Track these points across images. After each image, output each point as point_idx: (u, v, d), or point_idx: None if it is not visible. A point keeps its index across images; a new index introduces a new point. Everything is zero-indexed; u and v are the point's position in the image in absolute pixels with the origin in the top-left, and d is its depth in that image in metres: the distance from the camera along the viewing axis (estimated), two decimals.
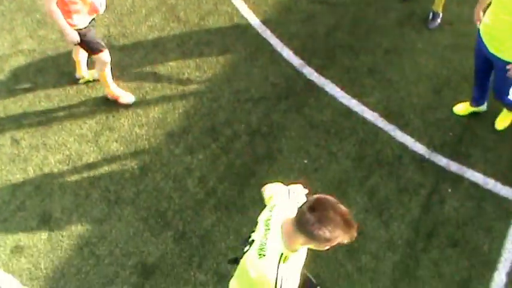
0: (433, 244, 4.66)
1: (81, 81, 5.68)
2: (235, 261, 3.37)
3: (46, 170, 5.17)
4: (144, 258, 4.73)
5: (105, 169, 5.18)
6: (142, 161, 5.22)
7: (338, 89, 5.65)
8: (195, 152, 5.27)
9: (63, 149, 5.29)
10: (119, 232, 4.86)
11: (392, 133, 5.32)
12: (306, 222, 2.69)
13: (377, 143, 5.26)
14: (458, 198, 4.88)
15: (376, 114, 5.44)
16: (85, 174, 5.14)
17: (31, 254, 4.75)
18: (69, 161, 5.22)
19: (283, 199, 3.15)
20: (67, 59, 5.79)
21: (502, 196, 4.92)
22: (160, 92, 5.68)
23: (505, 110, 5.17)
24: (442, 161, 5.12)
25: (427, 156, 5.15)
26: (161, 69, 5.84)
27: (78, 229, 4.89)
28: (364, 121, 5.41)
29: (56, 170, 5.18)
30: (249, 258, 2.99)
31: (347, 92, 5.61)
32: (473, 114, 5.34)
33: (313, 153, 5.23)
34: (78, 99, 5.62)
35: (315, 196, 2.76)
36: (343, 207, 2.71)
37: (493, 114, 5.32)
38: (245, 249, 3.10)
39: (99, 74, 5.39)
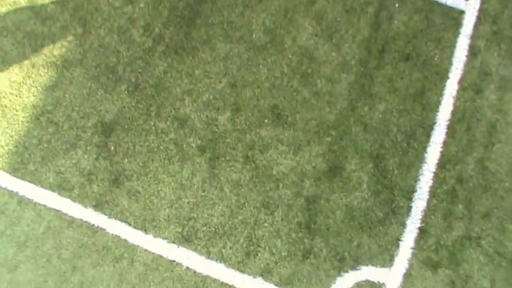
0: (386, 60, 4.71)
1: None
2: None
3: None
4: (102, 116, 4.71)
5: (45, 34, 4.97)
6: (82, 19, 5.00)
7: None
8: (135, 1, 5.04)
9: None
10: (73, 95, 4.79)
11: None
12: None
13: None
14: (406, 12, 4.85)
15: None
16: (26, 43, 4.94)
17: None
18: (6, 33, 4.99)
19: None
20: None
21: (450, 6, 4.90)
22: None
23: None
24: None
25: None
26: None
27: (31, 100, 4.80)
28: None
29: None
30: None
31: None
32: None
33: None
34: None
35: None
36: None
37: None
38: None
39: None
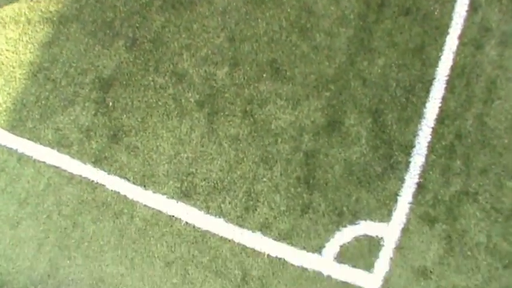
0: (385, 14, 4.66)
1: None
2: None
3: None
4: (100, 72, 4.69)
5: None
6: None
7: None
8: None
9: None
10: (70, 51, 4.75)
11: None
12: None
13: None
14: None
15: None
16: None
17: None
18: None
19: None
20: None
21: None
22: None
23: None
24: None
25: None
26: None
27: (27, 57, 4.77)
28: None
29: None
30: None
31: None
32: None
33: None
34: None
35: None
36: None
37: None
38: None
39: None
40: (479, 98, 4.51)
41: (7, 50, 4.78)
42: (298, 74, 4.60)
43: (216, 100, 4.61)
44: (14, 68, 4.76)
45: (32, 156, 4.63)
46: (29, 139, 4.66)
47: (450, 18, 4.66)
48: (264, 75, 4.62)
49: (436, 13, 4.67)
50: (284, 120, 4.54)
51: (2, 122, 4.69)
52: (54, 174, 4.58)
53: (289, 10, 4.71)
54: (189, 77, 4.64)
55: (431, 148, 4.43)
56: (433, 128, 4.47)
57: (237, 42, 4.69)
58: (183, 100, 4.61)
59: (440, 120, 4.47)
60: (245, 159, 4.50)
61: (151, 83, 4.63)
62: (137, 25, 4.74)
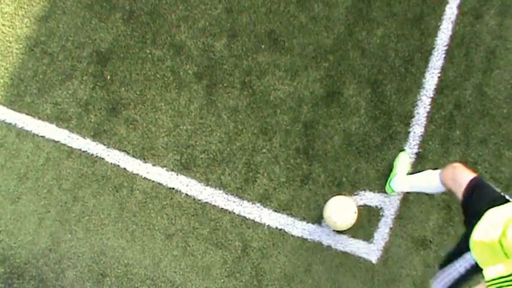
0: None
1: None
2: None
3: None
4: (97, 45, 4.66)
5: None
6: None
7: None
8: None
9: None
10: (67, 25, 4.73)
11: None
12: None
13: None
14: None
15: None
16: None
17: None
18: None
19: None
20: None
21: None
22: None
23: None
24: None
25: None
26: None
27: (24, 31, 4.74)
28: None
29: None
30: None
31: None
32: None
33: None
34: None
35: None
36: None
37: None
38: None
39: None
40: (479, 67, 4.48)
41: (3, 25, 4.76)
42: (297, 44, 4.57)
43: (214, 72, 4.59)
44: (10, 42, 4.73)
45: (30, 131, 4.63)
46: (27, 114, 4.66)
47: None
48: (262, 46, 4.59)
49: None
50: (283, 91, 4.52)
51: (0, 97, 4.68)
52: (54, 148, 4.59)
53: None
54: (187, 49, 4.62)
55: (431, 118, 4.43)
56: (432, 98, 4.46)
57: (234, 13, 4.66)
58: (181, 72, 4.59)
59: (440, 90, 4.46)
60: (244, 130, 4.50)
61: (149, 56, 4.61)
62: None
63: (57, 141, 4.59)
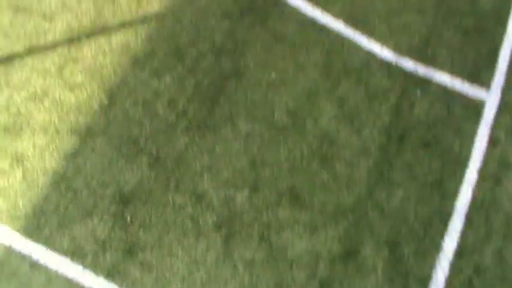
0: (405, 147, 4.74)
1: None
2: None
3: (13, 109, 5.07)
4: (121, 186, 4.75)
5: (72, 102, 5.10)
6: (109, 90, 5.13)
7: (300, 0, 5.57)
8: (161, 76, 5.19)
9: (28, 85, 5.18)
10: (93, 164, 4.85)
11: (358, 40, 5.28)
12: None
13: (343, 52, 5.23)
14: (427, 100, 4.93)
15: (340, 23, 5.38)
16: (53, 110, 5.06)
17: (8, 194, 4.71)
18: (35, 98, 5.12)
19: None
20: None
21: (470, 97, 4.99)
22: (121, 18, 5.53)
23: None
24: (409, 64, 5.13)
25: (394, 61, 5.15)
26: None
27: (52, 165, 4.86)
28: (329, 30, 5.35)
29: (23, 109, 5.08)
30: None
31: (310, 2, 5.53)
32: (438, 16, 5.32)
33: (280, 66, 5.19)
34: (36, 33, 5.46)
35: None
36: None
37: (459, 13, 5.30)
38: None
39: None
40: (498, 232, 4.47)
41: (34, 157, 4.89)
42: (317, 201, 4.62)
43: (233, 223, 4.61)
44: (38, 175, 4.84)
45: (44, 264, 4.61)
46: (43, 246, 4.66)
47: (470, 152, 4.73)
48: (283, 201, 4.65)
49: (455, 147, 4.75)
50: (300, 247, 4.51)
51: (19, 227, 4.71)
52: (66, 284, 4.54)
53: (311, 138, 4.81)
54: (209, 198, 4.68)
55: (449, 282, 4.35)
56: (451, 261, 4.41)
57: (258, 167, 4.77)
58: (200, 220, 4.62)
59: (459, 254, 4.42)
60: (259, 284, 4.43)
61: (171, 201, 4.67)
62: (161, 143, 4.85)
63: (70, 278, 4.54)
